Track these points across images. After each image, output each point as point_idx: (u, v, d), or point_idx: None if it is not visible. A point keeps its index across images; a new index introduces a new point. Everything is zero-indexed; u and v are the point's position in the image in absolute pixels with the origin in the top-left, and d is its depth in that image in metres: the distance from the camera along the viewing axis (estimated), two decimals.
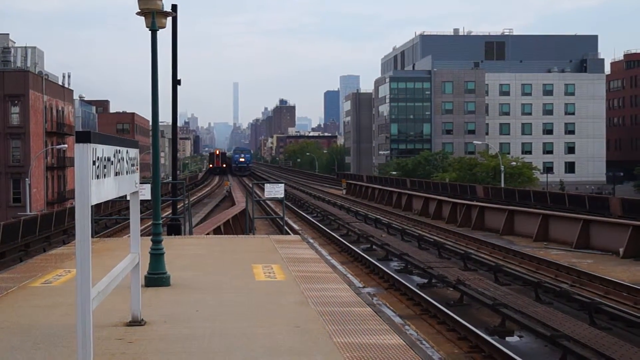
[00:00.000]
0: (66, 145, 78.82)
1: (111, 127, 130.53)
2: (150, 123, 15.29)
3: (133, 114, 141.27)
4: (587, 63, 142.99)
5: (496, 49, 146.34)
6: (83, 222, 6.63)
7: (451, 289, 20.66)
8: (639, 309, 18.47)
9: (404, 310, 18.79)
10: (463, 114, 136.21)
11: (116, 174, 8.15)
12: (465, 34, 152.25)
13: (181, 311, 11.40)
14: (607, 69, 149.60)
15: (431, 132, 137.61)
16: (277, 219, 42.25)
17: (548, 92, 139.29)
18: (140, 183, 11.84)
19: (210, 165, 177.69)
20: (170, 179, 37.35)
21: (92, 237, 15.94)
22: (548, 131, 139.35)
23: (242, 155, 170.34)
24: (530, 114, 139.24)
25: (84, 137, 6.78)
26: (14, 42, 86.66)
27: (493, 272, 23.72)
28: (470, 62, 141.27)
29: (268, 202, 61.45)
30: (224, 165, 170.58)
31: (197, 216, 45.19)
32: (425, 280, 22.58)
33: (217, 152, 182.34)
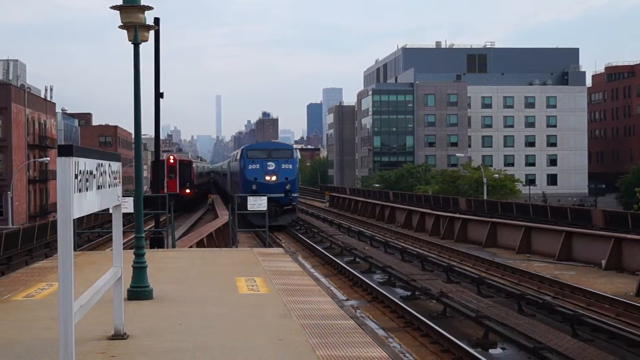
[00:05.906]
0: (48, 159, 78.58)
1: (94, 140, 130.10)
2: (133, 136, 15.25)
3: (116, 126, 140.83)
4: (568, 75, 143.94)
5: (478, 62, 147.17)
6: (65, 235, 6.61)
7: (434, 301, 20.68)
8: (621, 321, 18.55)
9: (387, 323, 18.77)
10: (445, 126, 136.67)
11: (98, 187, 8.13)
12: (447, 46, 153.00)
13: (164, 325, 11.35)
14: (589, 82, 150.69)
15: (414, 144, 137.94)
16: (261, 231, 42.17)
17: (530, 104, 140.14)
18: (123, 196, 11.81)
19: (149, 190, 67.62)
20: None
21: (75, 250, 15.84)
22: (530, 143, 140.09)
23: (271, 167, 52.64)
24: (512, 126, 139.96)
25: (66, 150, 6.77)
26: None
27: (476, 285, 23.77)
28: (453, 74, 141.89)
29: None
30: (188, 191, 70.55)
31: (179, 229, 44.97)
32: (409, 293, 22.59)
33: (172, 160, 69.42)
